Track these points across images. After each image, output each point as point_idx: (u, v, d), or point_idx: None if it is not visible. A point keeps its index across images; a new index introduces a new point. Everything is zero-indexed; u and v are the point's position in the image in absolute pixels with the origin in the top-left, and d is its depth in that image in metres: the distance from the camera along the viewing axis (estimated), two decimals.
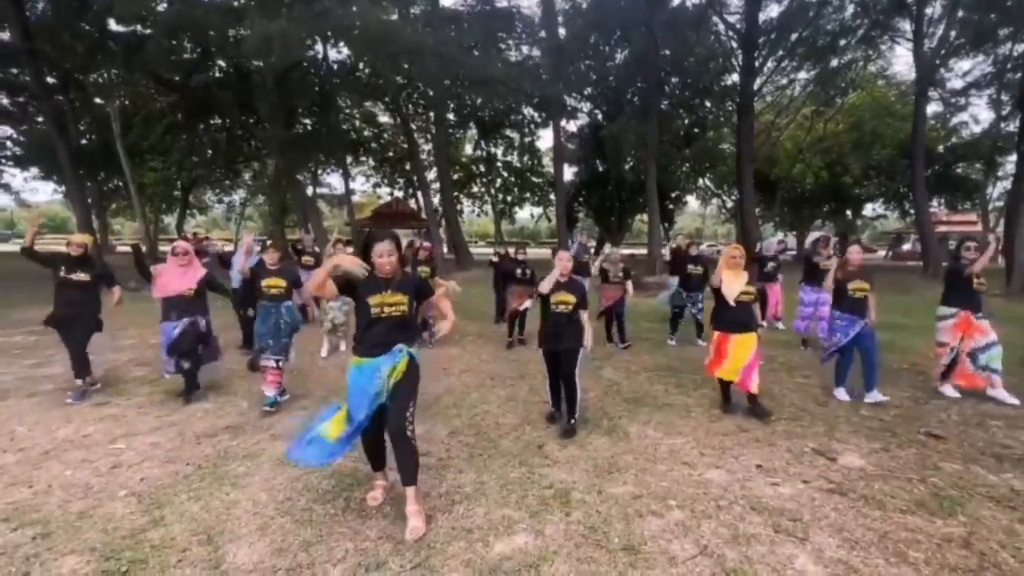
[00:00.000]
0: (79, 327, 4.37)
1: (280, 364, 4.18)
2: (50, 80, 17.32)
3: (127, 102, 20.50)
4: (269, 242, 4.54)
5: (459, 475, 3.03)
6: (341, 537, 2.36)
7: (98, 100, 20.27)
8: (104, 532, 2.36)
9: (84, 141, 22.42)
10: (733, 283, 4.05)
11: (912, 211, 24.23)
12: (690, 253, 7.03)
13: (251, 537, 2.34)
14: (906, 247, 36.78)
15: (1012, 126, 20.05)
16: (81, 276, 4.31)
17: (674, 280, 7.16)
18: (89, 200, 24.02)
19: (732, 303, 4.02)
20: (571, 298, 3.71)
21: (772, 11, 20.65)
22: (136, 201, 21.63)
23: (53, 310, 4.33)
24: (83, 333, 4.41)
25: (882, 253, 39.42)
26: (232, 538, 2.34)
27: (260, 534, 2.37)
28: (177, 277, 4.30)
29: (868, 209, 35.54)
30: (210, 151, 24.84)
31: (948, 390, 4.63)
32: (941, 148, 25.66)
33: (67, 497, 2.68)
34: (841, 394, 4.56)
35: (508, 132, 28.30)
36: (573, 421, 3.71)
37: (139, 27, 14.77)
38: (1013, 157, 17.61)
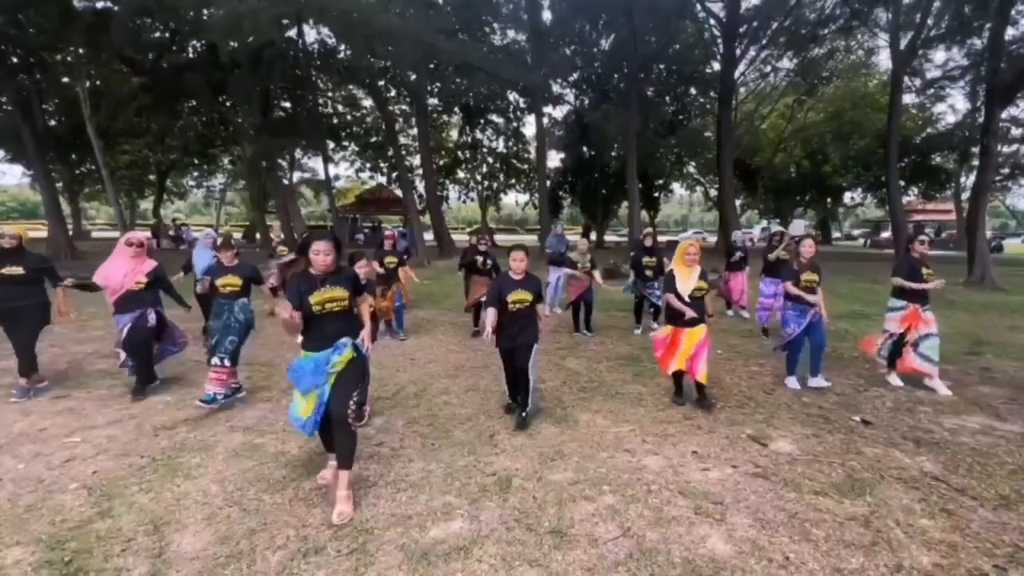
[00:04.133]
0: (21, 323, 4.24)
1: (225, 362, 4.02)
2: (13, 59, 16.70)
3: (97, 83, 19.86)
4: (220, 240, 4.47)
5: (408, 464, 3.16)
6: (285, 525, 2.49)
7: (66, 80, 19.61)
8: (51, 524, 2.45)
9: (53, 123, 21.76)
10: (687, 279, 4.16)
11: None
12: (645, 244, 7.16)
13: (197, 526, 2.46)
14: (884, 235, 37.59)
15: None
16: (13, 270, 4.14)
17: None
18: (60, 184, 23.41)
19: (686, 299, 4.14)
20: (527, 296, 3.80)
21: None
22: (108, 185, 21.14)
23: None
24: (27, 329, 4.28)
25: (861, 241, 40.24)
26: (178, 528, 2.45)
27: (206, 523, 2.48)
28: (125, 270, 4.22)
29: (847, 198, 36.21)
30: (186, 135, 24.27)
31: (895, 379, 4.81)
32: (917, 139, 26.12)
33: (17, 491, 2.75)
34: (792, 383, 4.77)
35: (493, 118, 28.09)
36: (525, 414, 3.82)
37: (106, 3, 14.30)
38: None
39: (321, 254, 2.65)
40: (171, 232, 27.60)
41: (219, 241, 4.40)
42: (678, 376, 4.34)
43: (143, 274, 4.27)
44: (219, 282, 4.15)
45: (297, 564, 2.19)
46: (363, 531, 2.44)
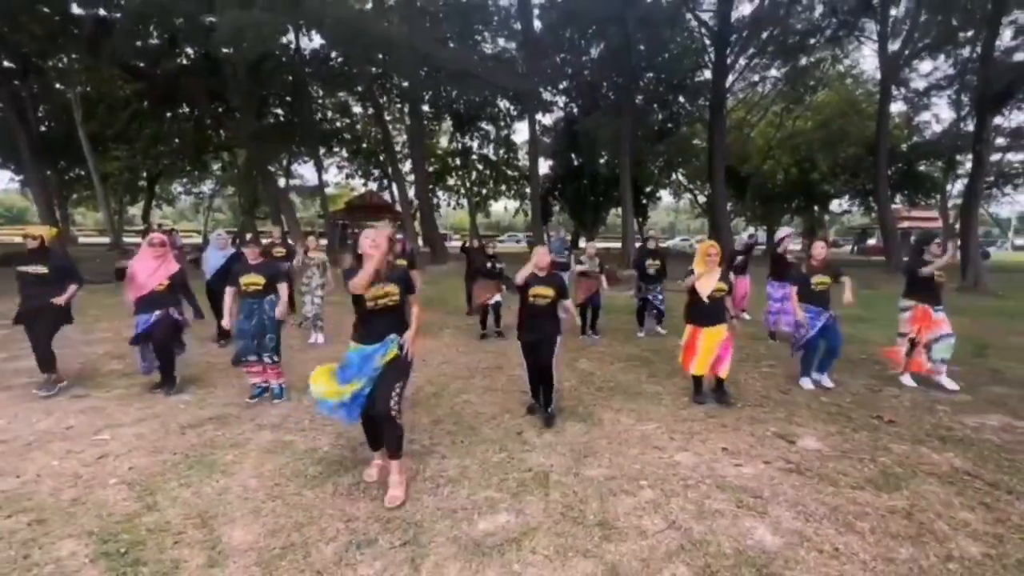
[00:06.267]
0: (42, 321, 4.27)
1: (275, 359, 4.20)
2: (7, 65, 16.52)
3: (88, 88, 19.69)
4: (249, 237, 4.45)
5: (443, 460, 3.17)
6: (332, 518, 2.48)
7: (58, 86, 19.43)
8: (99, 518, 2.42)
9: (43, 128, 21.50)
10: (707, 280, 4.21)
11: (876, 207, 25.22)
12: (648, 247, 7.27)
13: (245, 520, 2.44)
14: (871, 242, 38.18)
15: (971, 126, 21.01)
16: (38, 269, 4.19)
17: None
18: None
19: (706, 299, 4.19)
20: (549, 292, 3.83)
21: (744, 9, 21.21)
22: (99, 191, 20.89)
23: (19, 306, 4.25)
24: (46, 327, 4.31)
25: (848, 248, 40.87)
26: (226, 521, 2.43)
27: (253, 517, 2.47)
28: (150, 271, 4.27)
29: (835, 205, 36.79)
30: (177, 140, 24.08)
31: (907, 379, 4.89)
32: (904, 147, 26.70)
33: (57, 486, 2.72)
34: (807, 383, 4.83)
35: (484, 125, 28.24)
36: (551, 410, 3.86)
37: (104, 12, 14.23)
38: (971, 156, 18.50)
39: (371, 241, 2.68)
40: None
41: (248, 238, 4.38)
42: (698, 377, 4.38)
43: (166, 276, 4.28)
44: (243, 280, 4.13)
45: (352, 555, 2.19)
46: (412, 524, 2.44)
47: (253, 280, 4.16)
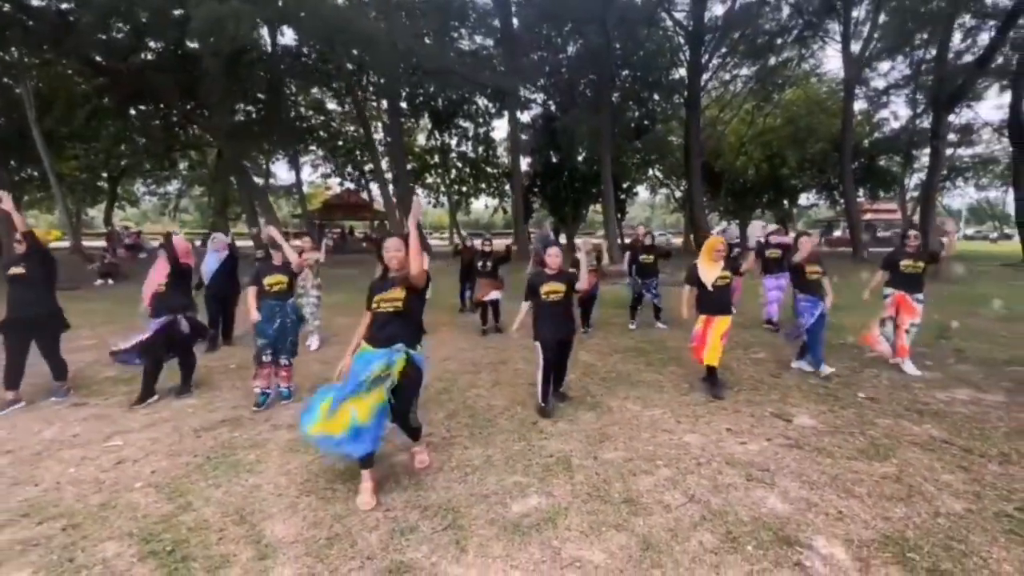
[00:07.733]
0: (42, 333, 4.17)
1: (291, 360, 4.28)
2: None
3: (40, 84, 18.67)
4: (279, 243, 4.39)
5: (465, 451, 3.26)
6: (369, 509, 2.54)
7: (6, 80, 18.34)
8: (134, 519, 2.43)
9: None
10: (711, 271, 4.43)
11: (841, 200, 26.32)
12: (644, 242, 7.46)
13: (283, 515, 2.49)
14: (836, 234, 39.68)
15: (926, 123, 22.15)
16: (17, 270, 4.01)
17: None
18: None
19: (710, 288, 4.39)
20: (561, 287, 3.93)
21: (717, 10, 21.81)
22: (57, 192, 19.92)
23: (7, 313, 4.08)
24: (49, 337, 4.22)
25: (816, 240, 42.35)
26: (264, 517, 2.47)
27: (291, 512, 2.52)
28: (156, 272, 4.25)
29: (803, 199, 38.14)
30: (143, 139, 23.13)
31: (909, 367, 5.00)
32: (866, 143, 27.90)
33: (82, 492, 2.70)
34: (803, 365, 5.08)
35: (462, 122, 28.20)
36: (562, 390, 4.25)
37: (65, 5, 13.63)
38: (928, 151, 19.52)
39: (392, 251, 2.74)
40: (126, 240, 26.09)
41: (264, 239, 4.36)
42: (712, 368, 4.45)
43: (164, 274, 4.21)
44: (267, 281, 4.12)
45: (397, 541, 2.27)
46: (449, 510, 2.54)
47: (276, 280, 4.17)
